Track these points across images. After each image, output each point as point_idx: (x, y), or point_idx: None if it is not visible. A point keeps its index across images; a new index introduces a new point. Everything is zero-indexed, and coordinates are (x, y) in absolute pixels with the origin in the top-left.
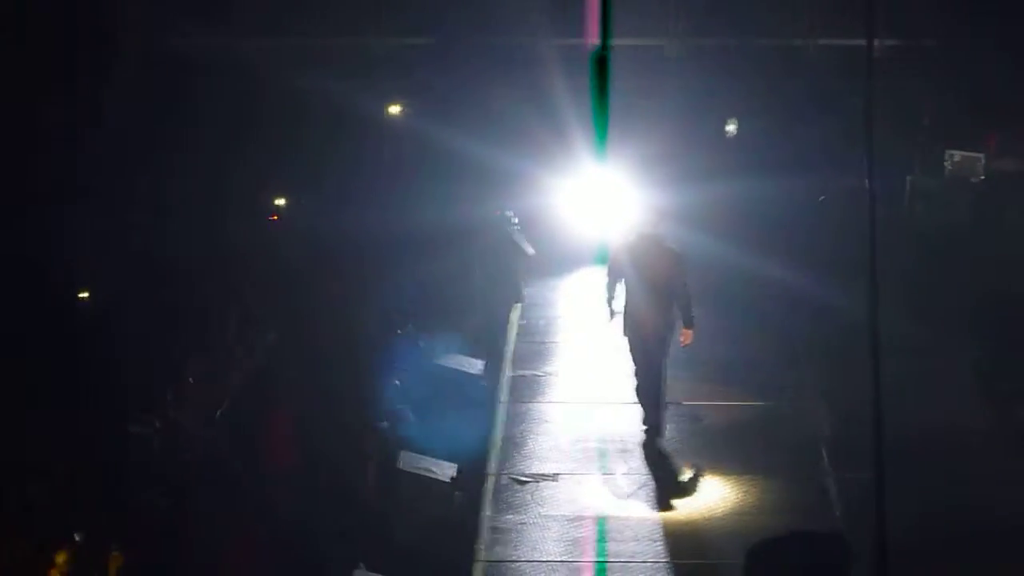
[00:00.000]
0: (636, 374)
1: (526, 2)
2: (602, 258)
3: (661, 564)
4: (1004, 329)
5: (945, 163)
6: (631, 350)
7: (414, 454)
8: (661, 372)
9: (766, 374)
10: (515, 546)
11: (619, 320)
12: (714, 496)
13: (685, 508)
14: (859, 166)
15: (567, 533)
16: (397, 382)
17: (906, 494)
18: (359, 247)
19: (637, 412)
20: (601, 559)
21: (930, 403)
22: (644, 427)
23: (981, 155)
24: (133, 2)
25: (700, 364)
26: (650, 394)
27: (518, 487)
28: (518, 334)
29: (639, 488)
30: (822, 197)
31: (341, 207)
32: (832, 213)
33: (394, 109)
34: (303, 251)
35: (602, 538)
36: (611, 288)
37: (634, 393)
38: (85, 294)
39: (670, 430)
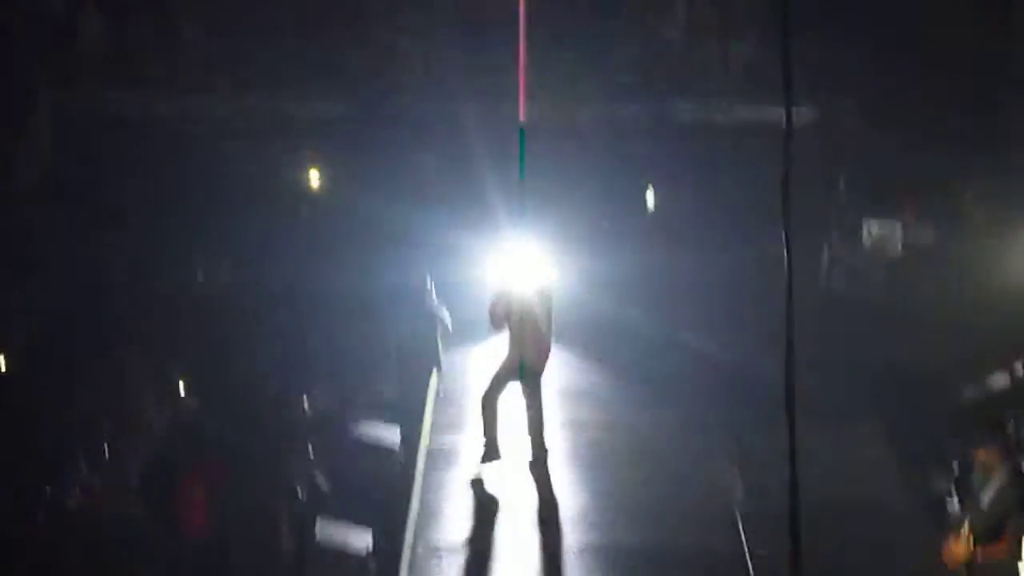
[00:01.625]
0: (492, 391)
1: (447, 67)
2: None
3: None
4: (918, 398)
5: (863, 233)
6: (505, 372)
7: (329, 523)
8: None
9: (680, 441)
10: None
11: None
12: (631, 567)
13: None
14: (776, 235)
15: None
16: (311, 448)
17: (820, 563)
18: (273, 311)
19: (556, 480)
20: None
21: (845, 471)
22: (485, 449)
23: (899, 225)
24: (52, 59)
25: (614, 431)
26: (536, 421)
27: (434, 558)
28: (436, 402)
29: (557, 558)
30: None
31: (255, 270)
32: (749, 281)
33: (313, 173)
34: (219, 315)
35: None
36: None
37: (482, 405)
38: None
39: (585, 499)
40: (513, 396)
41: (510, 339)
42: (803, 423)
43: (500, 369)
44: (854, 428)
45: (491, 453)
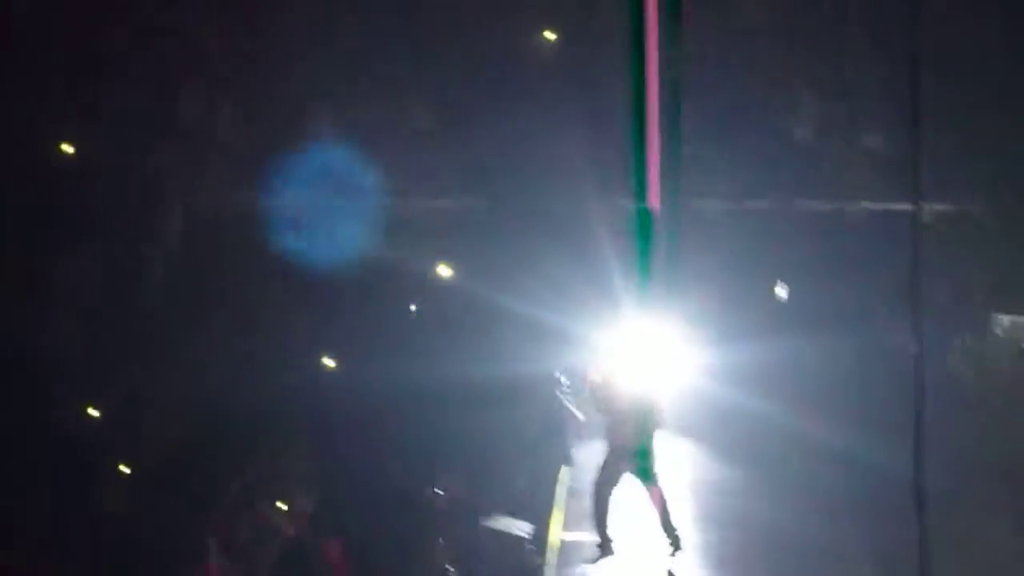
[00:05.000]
0: (605, 482)
1: (572, 165)
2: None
3: None
4: None
5: (994, 327)
6: (616, 459)
7: None
8: None
9: (809, 534)
10: None
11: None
12: None
13: None
14: (907, 327)
15: None
16: (442, 541)
17: None
18: (403, 401)
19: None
20: None
21: (975, 560)
22: (598, 547)
23: None
24: (180, 161)
25: (742, 526)
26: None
27: None
28: (567, 496)
29: None
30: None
31: (386, 360)
32: (878, 372)
33: (443, 269)
34: (349, 404)
35: None
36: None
37: (594, 498)
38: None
39: None
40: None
41: (615, 423)
42: (934, 513)
43: (610, 455)
44: (983, 512)
45: (604, 550)
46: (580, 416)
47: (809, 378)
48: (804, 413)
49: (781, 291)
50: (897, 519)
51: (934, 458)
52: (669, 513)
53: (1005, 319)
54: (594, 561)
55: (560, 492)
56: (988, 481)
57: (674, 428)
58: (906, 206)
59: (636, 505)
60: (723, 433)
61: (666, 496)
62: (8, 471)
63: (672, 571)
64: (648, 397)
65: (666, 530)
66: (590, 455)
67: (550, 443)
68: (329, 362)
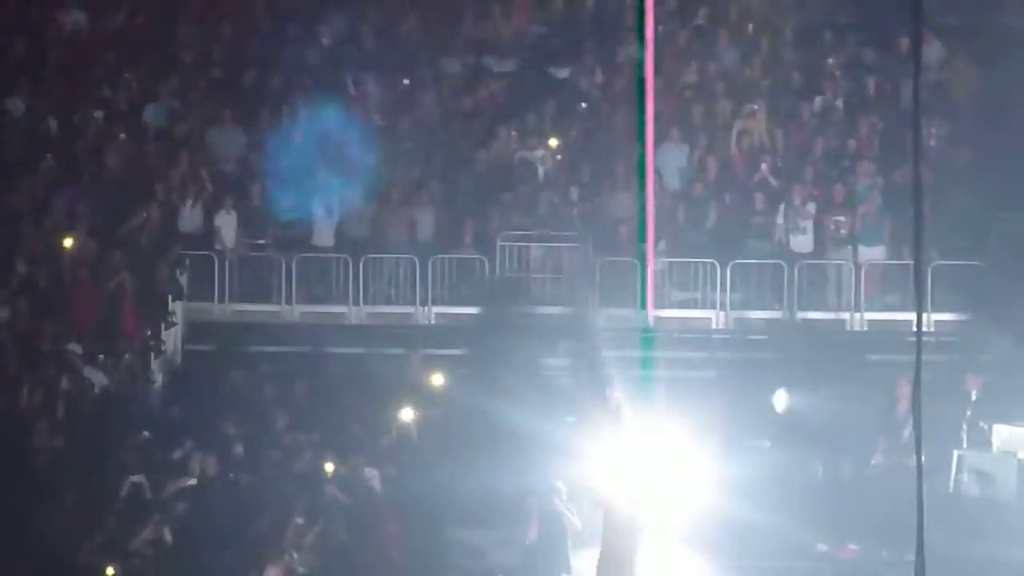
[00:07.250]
0: None
1: (575, 272)
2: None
3: None
4: None
5: (993, 438)
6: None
7: None
8: None
9: None
10: None
11: None
12: None
13: None
14: (906, 437)
15: None
16: None
17: None
18: (399, 511)
19: None
20: None
21: None
22: None
23: None
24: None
25: None
26: None
27: None
28: None
29: None
30: None
31: (383, 470)
32: (879, 484)
33: (438, 378)
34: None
35: None
36: None
37: None
38: None
39: None
40: None
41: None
42: None
43: (604, 564)
44: None
45: None
46: (578, 524)
47: (814, 490)
48: (809, 525)
49: (781, 401)
50: None
51: (938, 572)
52: None
53: (1004, 430)
54: None
55: None
56: None
57: (678, 538)
58: (908, 316)
59: None
60: (728, 546)
61: None
62: None
63: None
64: (642, 506)
65: None
66: (589, 563)
67: (550, 552)
68: (327, 470)
